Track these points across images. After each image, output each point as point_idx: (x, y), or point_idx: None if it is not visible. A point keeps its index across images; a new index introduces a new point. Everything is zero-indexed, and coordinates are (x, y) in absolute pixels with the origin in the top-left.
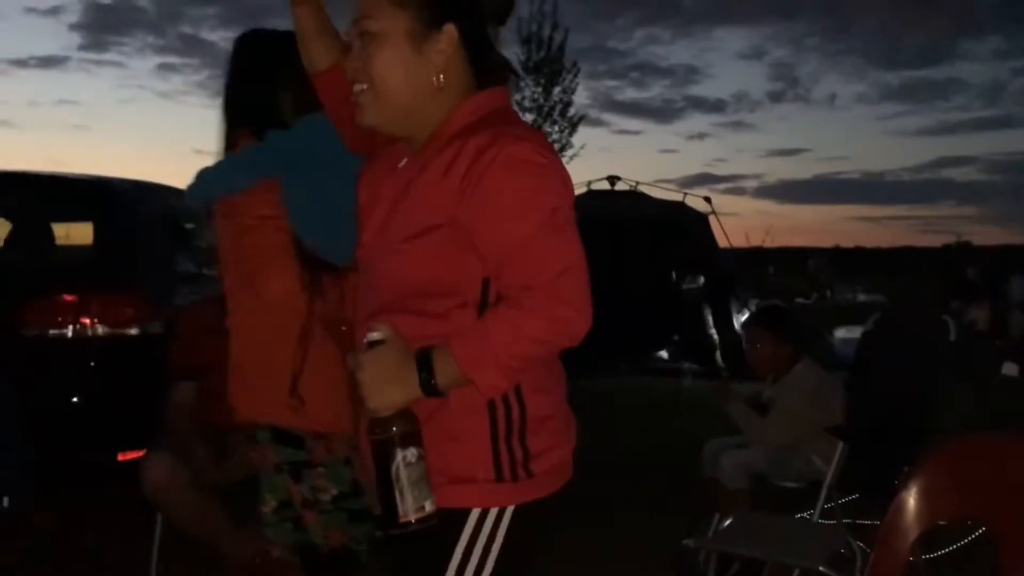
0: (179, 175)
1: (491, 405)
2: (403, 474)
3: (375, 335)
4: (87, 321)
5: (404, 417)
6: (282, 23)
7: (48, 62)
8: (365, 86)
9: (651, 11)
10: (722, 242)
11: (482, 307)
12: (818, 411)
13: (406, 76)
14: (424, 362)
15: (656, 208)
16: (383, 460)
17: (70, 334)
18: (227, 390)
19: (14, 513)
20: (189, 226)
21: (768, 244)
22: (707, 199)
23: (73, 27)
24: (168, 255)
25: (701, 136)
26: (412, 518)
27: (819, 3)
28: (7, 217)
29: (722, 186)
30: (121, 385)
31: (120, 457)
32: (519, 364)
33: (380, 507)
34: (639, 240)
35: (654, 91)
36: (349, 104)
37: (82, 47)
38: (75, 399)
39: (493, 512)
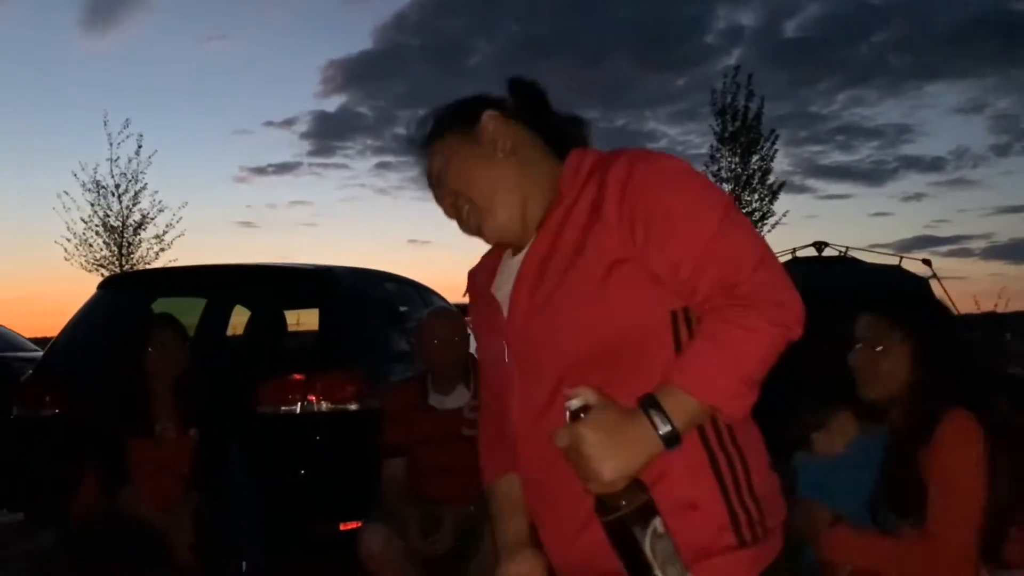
0: (394, 262)
1: (713, 461)
2: (658, 550)
3: (576, 402)
4: (313, 398)
5: (635, 487)
6: None
7: (283, 168)
8: (466, 207)
9: (855, 73)
10: None
11: (676, 344)
12: None
13: (484, 173)
14: (653, 409)
15: (869, 274)
16: (627, 540)
17: (298, 410)
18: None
19: None
20: (402, 309)
21: (1002, 309)
22: (926, 261)
23: (304, 135)
24: (384, 336)
25: (917, 197)
26: None
27: None
28: (247, 305)
29: (944, 248)
30: (343, 458)
31: (342, 527)
32: (759, 368)
33: None
34: (851, 309)
35: (862, 153)
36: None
37: (311, 153)
38: (302, 471)
39: None
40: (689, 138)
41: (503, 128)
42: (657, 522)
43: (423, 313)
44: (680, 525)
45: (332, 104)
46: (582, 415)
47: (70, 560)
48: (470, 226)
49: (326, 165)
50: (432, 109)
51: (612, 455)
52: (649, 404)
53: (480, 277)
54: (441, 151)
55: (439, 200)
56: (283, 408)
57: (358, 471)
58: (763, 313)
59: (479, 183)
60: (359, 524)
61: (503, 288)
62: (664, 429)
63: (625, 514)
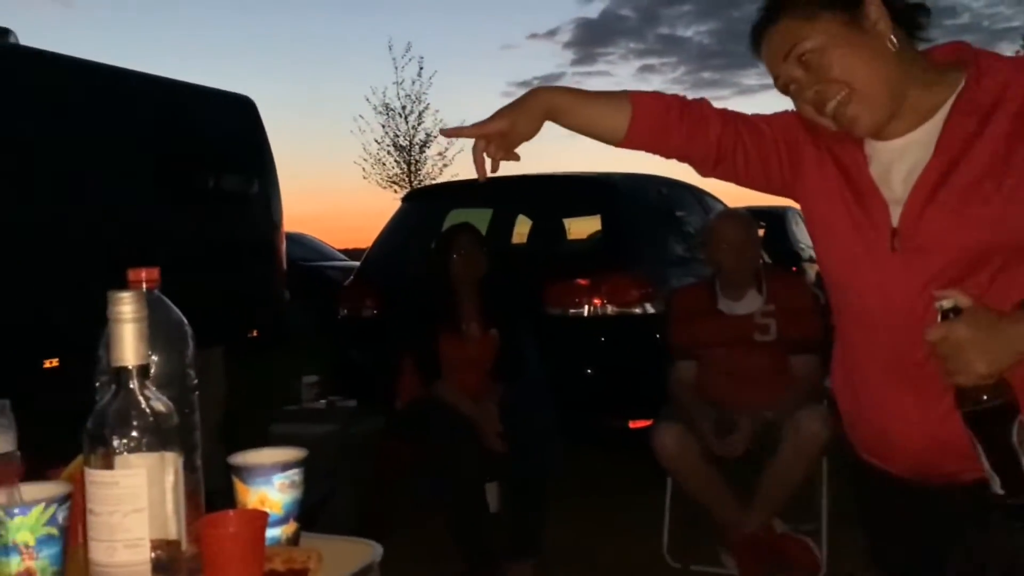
0: (664, 167)
1: None
2: (1021, 442)
3: (947, 302)
4: (598, 301)
5: (1002, 384)
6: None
7: (547, 80)
8: (840, 96)
9: None
10: None
11: None
12: None
13: (869, 60)
14: None
15: None
16: (995, 427)
17: (584, 313)
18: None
19: (548, 470)
20: (679, 213)
21: None
22: None
23: (567, 45)
24: (663, 240)
25: None
26: None
27: None
28: (529, 215)
29: None
30: (629, 359)
31: (631, 425)
32: None
33: (998, 478)
34: None
35: None
36: (669, 134)
37: (575, 62)
38: (589, 370)
39: None
40: (998, 10)
41: (888, 18)
42: (1022, 418)
43: (712, 216)
44: None
45: (594, 9)
46: (951, 315)
47: (396, 441)
48: (838, 115)
49: (589, 74)
50: None
51: (988, 350)
52: None
53: (846, 157)
54: (815, 32)
55: (789, 79)
56: (570, 311)
57: (646, 372)
58: None
59: (865, 74)
60: (649, 423)
61: (889, 178)
62: None
63: (998, 404)
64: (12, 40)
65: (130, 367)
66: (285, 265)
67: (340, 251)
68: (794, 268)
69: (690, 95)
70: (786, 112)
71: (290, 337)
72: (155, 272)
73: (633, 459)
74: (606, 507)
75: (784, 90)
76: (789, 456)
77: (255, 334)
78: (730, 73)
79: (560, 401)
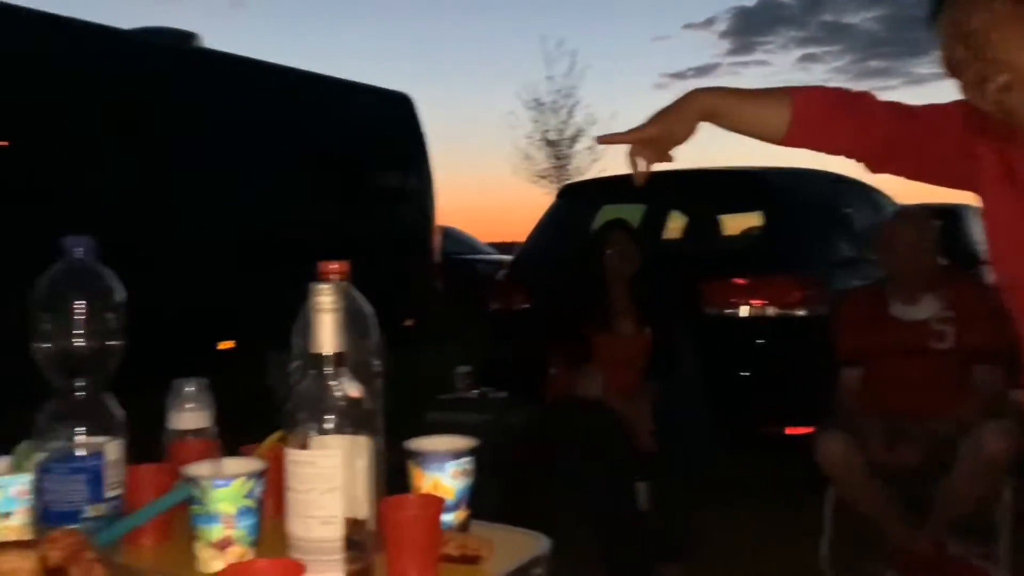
0: (829, 162)
1: None
2: None
3: None
4: (758, 302)
5: None
6: None
7: (702, 71)
8: (1001, 79)
9: None
10: None
11: None
12: None
13: None
14: None
15: None
16: None
17: (742, 314)
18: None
19: (700, 471)
20: (847, 210)
21: None
22: None
23: (723, 35)
24: (827, 239)
25: None
26: None
27: None
28: (683, 210)
29: None
30: (789, 363)
31: (788, 431)
32: None
33: None
34: None
35: None
36: (833, 132)
37: (731, 52)
38: (746, 373)
39: None
40: None
41: None
42: None
43: (885, 215)
44: None
45: None
46: None
47: (543, 435)
48: (997, 100)
49: (745, 63)
50: None
51: None
52: None
53: (1012, 156)
54: (988, 8)
55: (953, 59)
56: (727, 311)
57: (806, 377)
58: None
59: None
60: (807, 430)
61: None
62: None
63: None
64: (197, 43)
65: (327, 354)
66: (438, 258)
67: (487, 244)
68: (970, 271)
69: (855, 85)
70: (959, 101)
71: (441, 327)
72: (346, 265)
73: (791, 466)
74: (760, 513)
75: (950, 70)
76: (966, 473)
77: (410, 324)
78: (901, 62)
79: (714, 403)
